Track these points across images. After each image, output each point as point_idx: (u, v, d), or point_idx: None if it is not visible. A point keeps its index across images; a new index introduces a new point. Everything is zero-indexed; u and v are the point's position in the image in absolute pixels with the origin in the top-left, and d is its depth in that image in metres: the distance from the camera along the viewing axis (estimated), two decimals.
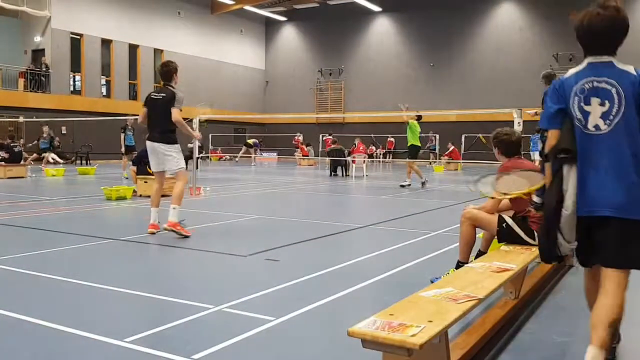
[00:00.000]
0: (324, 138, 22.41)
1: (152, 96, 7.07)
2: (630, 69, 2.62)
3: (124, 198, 10.75)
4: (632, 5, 28.73)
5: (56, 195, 11.89)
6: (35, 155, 20.41)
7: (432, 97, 32.86)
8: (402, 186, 14.19)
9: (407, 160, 14.42)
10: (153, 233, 6.83)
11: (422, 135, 14.97)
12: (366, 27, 35.85)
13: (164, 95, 6.91)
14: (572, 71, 2.72)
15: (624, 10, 2.60)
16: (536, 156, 21.71)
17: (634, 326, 3.88)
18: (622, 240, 2.54)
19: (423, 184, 14.44)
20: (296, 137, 32.93)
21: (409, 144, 14.14)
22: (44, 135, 21.20)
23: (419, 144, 14.28)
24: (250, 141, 31.00)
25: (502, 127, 4.83)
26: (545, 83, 8.38)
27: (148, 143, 7.05)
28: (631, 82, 2.57)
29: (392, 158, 32.65)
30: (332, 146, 20.73)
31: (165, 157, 6.97)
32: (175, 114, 6.82)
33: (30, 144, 21.40)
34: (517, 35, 31.42)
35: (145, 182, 11.34)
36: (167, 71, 7.05)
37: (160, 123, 6.92)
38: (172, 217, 6.69)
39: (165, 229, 6.66)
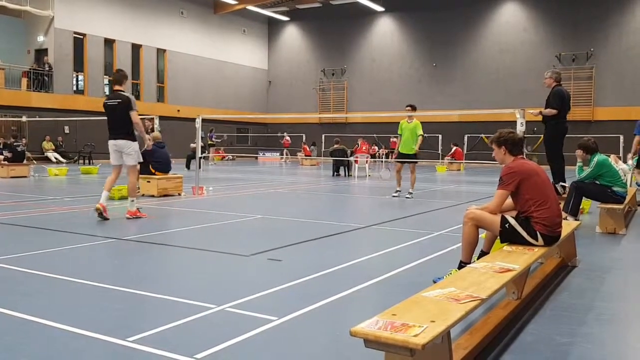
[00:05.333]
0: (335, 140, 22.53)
1: (109, 103, 8.20)
2: None
3: (126, 198, 10.74)
4: (632, 5, 28.69)
5: (59, 195, 11.91)
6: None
7: (435, 97, 32.84)
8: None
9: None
10: (99, 210, 7.86)
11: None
12: (369, 26, 35.84)
13: (119, 100, 8.10)
14: None
15: None
16: None
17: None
18: None
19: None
20: (285, 138, 33.08)
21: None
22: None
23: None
24: (213, 140, 30.39)
25: (504, 127, 4.81)
26: (556, 81, 8.47)
27: (111, 142, 8.18)
28: None
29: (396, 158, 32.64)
30: (335, 146, 20.72)
31: (126, 154, 8.17)
32: (135, 117, 8.08)
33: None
34: (521, 35, 31.38)
35: (148, 181, 11.37)
36: (122, 75, 8.32)
37: (121, 123, 8.10)
38: (130, 207, 8.18)
39: (128, 218, 8.04)
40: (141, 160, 8.44)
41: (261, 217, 8.63)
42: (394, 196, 11.85)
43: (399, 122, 12.11)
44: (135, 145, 8.21)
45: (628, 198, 7.89)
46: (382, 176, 17.92)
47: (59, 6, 26.87)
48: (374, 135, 33.26)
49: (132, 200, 8.19)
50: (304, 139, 32.10)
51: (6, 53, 26.04)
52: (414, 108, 11.92)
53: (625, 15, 28.83)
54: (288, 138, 33.30)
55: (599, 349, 3.32)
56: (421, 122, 11.86)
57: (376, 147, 32.66)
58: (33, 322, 3.53)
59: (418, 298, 2.86)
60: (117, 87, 8.28)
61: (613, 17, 28.98)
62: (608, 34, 29.10)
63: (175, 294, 4.21)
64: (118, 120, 8.10)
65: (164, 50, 32.52)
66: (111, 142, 8.20)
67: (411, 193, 11.87)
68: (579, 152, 7.96)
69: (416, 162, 12.05)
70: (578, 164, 8.38)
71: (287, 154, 33.01)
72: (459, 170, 25.28)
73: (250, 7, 35.05)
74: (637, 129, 10.58)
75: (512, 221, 4.38)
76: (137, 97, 31.13)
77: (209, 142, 30.64)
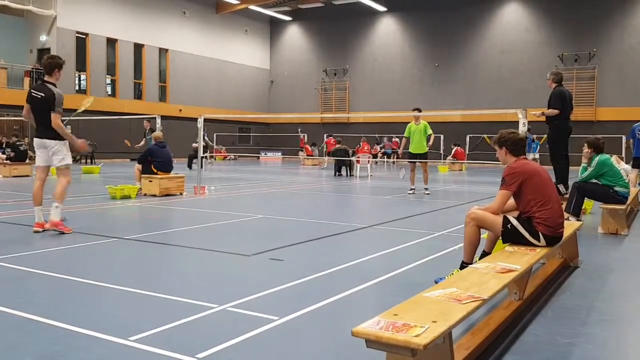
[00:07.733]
0: (327, 140, 22.51)
1: (32, 93, 6.90)
2: None
3: (128, 197, 10.77)
4: (635, 5, 28.63)
5: None
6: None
7: (437, 97, 32.81)
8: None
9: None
10: (38, 232, 6.77)
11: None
12: (371, 26, 35.82)
13: (42, 95, 6.79)
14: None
15: None
16: (530, 155, 21.75)
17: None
18: None
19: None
20: (301, 137, 32.68)
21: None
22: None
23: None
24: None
25: (506, 127, 4.82)
26: (555, 82, 8.48)
27: (36, 140, 6.96)
28: None
29: (397, 158, 32.60)
30: (337, 146, 20.72)
31: (53, 153, 6.90)
32: (55, 119, 6.73)
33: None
34: (523, 35, 31.33)
35: (150, 181, 11.38)
36: (48, 64, 6.93)
37: (45, 121, 6.81)
38: (54, 215, 6.69)
39: (47, 229, 6.73)
40: (70, 162, 7.14)
41: (263, 217, 8.63)
42: (409, 194, 12.42)
43: (400, 122, 12.79)
44: (64, 144, 6.93)
45: (630, 198, 7.88)
46: (400, 176, 17.46)
47: (61, 5, 26.90)
48: (376, 135, 33.25)
49: (57, 206, 6.71)
50: (306, 138, 32.06)
51: (9, 52, 26.08)
52: (420, 111, 12.77)
53: (627, 15, 28.78)
54: (302, 136, 32.70)
55: (600, 349, 3.32)
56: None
57: (378, 147, 32.64)
58: (35, 322, 3.54)
59: (420, 298, 2.86)
60: (46, 78, 6.95)
61: (616, 17, 28.92)
62: (611, 34, 29.05)
63: (177, 294, 4.21)
64: (41, 116, 6.84)
65: (166, 50, 32.53)
66: (36, 141, 6.95)
67: (427, 189, 12.59)
68: (585, 149, 7.89)
69: (427, 161, 12.82)
70: (583, 164, 8.35)
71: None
72: (461, 170, 25.26)
73: (253, 7, 35.06)
74: (631, 133, 11.05)
75: (514, 221, 4.38)
76: (140, 97, 31.19)
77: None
